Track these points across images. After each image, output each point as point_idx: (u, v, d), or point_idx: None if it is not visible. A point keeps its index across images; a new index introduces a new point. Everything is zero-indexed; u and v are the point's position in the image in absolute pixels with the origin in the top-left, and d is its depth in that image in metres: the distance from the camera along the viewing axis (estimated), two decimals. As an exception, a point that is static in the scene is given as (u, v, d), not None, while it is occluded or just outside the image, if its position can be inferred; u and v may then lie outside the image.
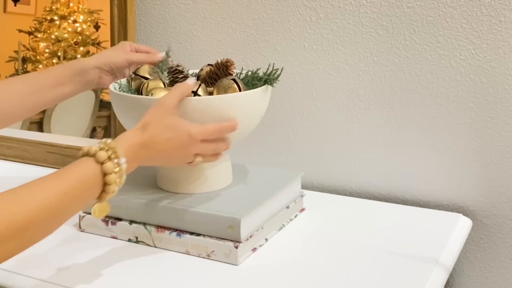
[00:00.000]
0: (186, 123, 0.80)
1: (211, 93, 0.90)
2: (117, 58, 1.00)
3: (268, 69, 0.92)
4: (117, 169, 0.71)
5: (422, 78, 1.05)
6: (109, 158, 0.70)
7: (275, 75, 0.92)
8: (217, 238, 0.86)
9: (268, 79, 0.92)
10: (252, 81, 0.93)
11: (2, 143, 1.37)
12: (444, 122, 1.05)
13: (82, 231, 0.96)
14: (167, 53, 1.04)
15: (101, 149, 0.70)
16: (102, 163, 0.70)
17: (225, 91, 0.87)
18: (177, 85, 0.83)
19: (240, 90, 0.88)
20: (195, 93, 0.88)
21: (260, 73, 0.94)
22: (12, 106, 0.93)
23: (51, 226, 0.67)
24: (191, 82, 0.84)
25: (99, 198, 0.72)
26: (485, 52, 1.00)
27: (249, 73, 0.95)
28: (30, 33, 1.45)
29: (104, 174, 0.70)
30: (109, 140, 0.72)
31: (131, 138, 0.75)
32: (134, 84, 0.96)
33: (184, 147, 0.79)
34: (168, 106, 0.80)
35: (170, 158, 0.80)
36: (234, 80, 0.88)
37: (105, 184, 0.70)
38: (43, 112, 1.44)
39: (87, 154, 0.71)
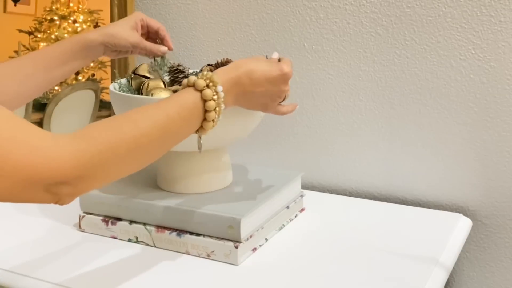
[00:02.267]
0: (277, 61, 0.82)
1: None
2: (121, 40, 0.98)
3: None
4: (215, 97, 0.73)
5: (422, 78, 1.05)
6: (207, 86, 0.73)
7: None
8: (217, 238, 0.86)
9: None
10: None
11: (2, 143, 1.37)
12: (444, 122, 1.05)
13: (82, 231, 0.96)
14: (162, 57, 1.03)
15: (199, 78, 0.74)
16: (201, 91, 0.73)
17: None
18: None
19: None
20: None
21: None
22: (21, 87, 0.93)
23: (159, 147, 0.71)
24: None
25: (201, 128, 0.75)
26: (485, 52, 1.00)
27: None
28: (30, 33, 1.45)
29: (204, 101, 0.73)
30: (206, 72, 0.75)
31: (226, 72, 0.77)
32: (134, 84, 0.96)
33: (278, 82, 0.81)
34: (258, 58, 0.82)
35: (264, 94, 0.81)
36: None
37: (205, 112, 0.74)
38: (43, 112, 1.44)
39: (187, 85, 0.74)
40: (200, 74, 0.75)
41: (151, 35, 1.01)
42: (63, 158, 0.60)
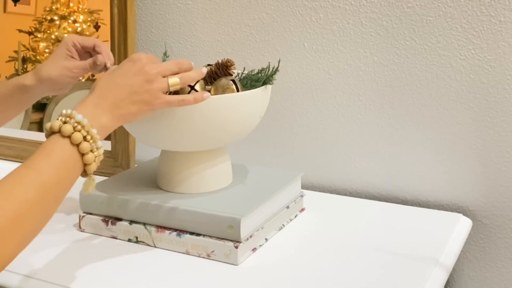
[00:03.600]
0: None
1: (209, 92, 0.90)
2: (52, 70, 0.92)
3: (267, 69, 0.92)
4: (88, 137, 0.69)
5: (422, 78, 1.05)
6: (84, 138, 0.69)
7: (273, 73, 0.92)
8: (217, 238, 0.86)
9: (266, 79, 0.92)
10: (251, 83, 0.93)
11: (2, 143, 1.37)
12: (444, 122, 1.05)
13: (82, 231, 0.96)
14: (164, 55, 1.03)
15: (74, 128, 0.68)
16: (77, 145, 0.68)
17: (223, 91, 0.88)
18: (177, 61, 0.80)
19: (238, 91, 0.88)
20: (192, 87, 0.88)
21: (258, 73, 0.94)
22: None
23: (45, 213, 0.66)
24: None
25: (84, 173, 0.71)
26: (485, 52, 1.00)
27: (248, 74, 0.95)
28: (30, 33, 1.45)
29: (82, 155, 0.69)
30: (69, 111, 0.69)
31: (81, 101, 0.72)
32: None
33: (132, 68, 0.75)
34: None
35: (133, 91, 0.74)
36: (233, 81, 0.88)
37: (85, 164, 0.70)
38: (43, 112, 1.44)
39: (60, 133, 0.68)
40: (64, 116, 0.69)
41: (86, 56, 0.96)
42: None
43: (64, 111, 0.70)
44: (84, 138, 0.69)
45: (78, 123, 0.69)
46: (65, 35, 1.43)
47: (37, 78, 0.92)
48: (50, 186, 0.66)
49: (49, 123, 0.69)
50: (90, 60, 0.92)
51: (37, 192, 0.64)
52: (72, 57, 0.94)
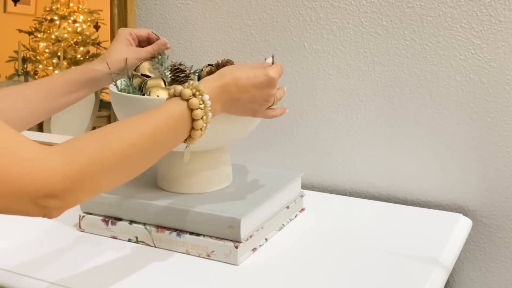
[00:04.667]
0: (262, 66, 0.82)
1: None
2: (121, 62, 0.99)
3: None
4: (202, 105, 0.74)
5: (422, 78, 1.05)
6: (194, 95, 0.74)
7: None
8: (217, 238, 0.86)
9: None
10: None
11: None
12: (444, 122, 1.05)
13: (82, 231, 0.96)
14: (162, 55, 1.03)
15: (186, 87, 0.74)
16: (187, 100, 0.73)
17: None
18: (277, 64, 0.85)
19: None
20: None
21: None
22: (21, 114, 0.93)
23: (147, 158, 0.70)
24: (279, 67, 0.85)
25: (189, 137, 0.75)
26: (485, 52, 1.00)
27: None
28: (30, 33, 1.45)
29: (191, 110, 0.73)
30: (192, 81, 0.75)
31: (212, 81, 0.78)
32: (135, 82, 0.96)
33: (264, 87, 0.81)
34: (243, 64, 0.83)
35: (252, 100, 0.82)
36: None
37: (193, 120, 0.74)
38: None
39: (174, 94, 0.75)
40: (187, 84, 0.75)
41: (143, 44, 1.03)
42: (52, 171, 0.59)
43: (194, 83, 0.75)
44: (194, 95, 0.74)
45: (203, 101, 0.74)
46: (65, 35, 1.43)
47: (106, 61, 0.98)
48: (160, 132, 0.70)
49: (179, 88, 0.74)
50: (153, 45, 1.02)
51: (146, 137, 0.69)
52: (131, 45, 1.02)
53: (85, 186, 0.62)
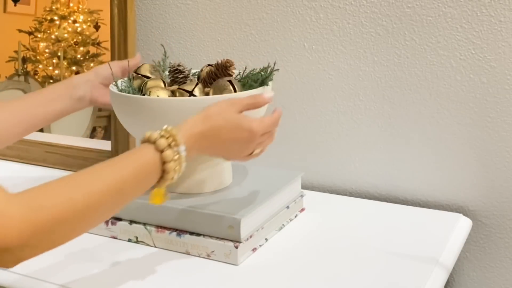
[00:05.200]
0: (248, 118, 0.79)
1: (207, 94, 0.90)
2: (107, 70, 1.00)
3: (268, 68, 0.92)
4: (176, 157, 0.71)
5: (422, 78, 1.05)
6: (169, 145, 0.70)
7: (268, 74, 0.92)
8: (217, 238, 0.86)
9: (263, 80, 0.92)
10: (250, 83, 0.93)
11: (2, 143, 1.37)
12: (444, 122, 1.05)
13: (82, 231, 0.96)
14: (164, 54, 1.04)
15: (161, 136, 0.71)
16: (161, 151, 0.70)
17: (221, 92, 0.88)
18: (255, 94, 0.83)
19: (235, 92, 0.88)
20: (191, 93, 0.88)
21: (259, 72, 0.94)
22: (5, 124, 0.93)
23: (109, 211, 0.68)
24: (268, 95, 0.83)
25: (158, 184, 0.73)
26: (485, 52, 1.00)
27: (249, 73, 0.95)
28: (30, 33, 1.45)
29: (163, 162, 0.70)
30: (170, 127, 0.72)
31: (192, 126, 0.75)
32: (135, 83, 0.96)
33: (245, 142, 0.80)
34: (234, 103, 0.79)
35: (229, 151, 0.80)
36: (230, 81, 0.88)
37: (164, 172, 0.71)
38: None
39: (148, 141, 0.71)
40: (164, 130, 0.71)
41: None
42: (8, 226, 0.58)
43: (172, 130, 0.71)
44: (169, 145, 0.71)
45: (178, 153, 0.71)
46: (65, 35, 1.43)
47: (88, 73, 1.00)
48: (127, 185, 0.68)
49: (154, 136, 0.71)
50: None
51: (112, 190, 0.66)
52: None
53: (41, 242, 0.61)
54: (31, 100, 0.97)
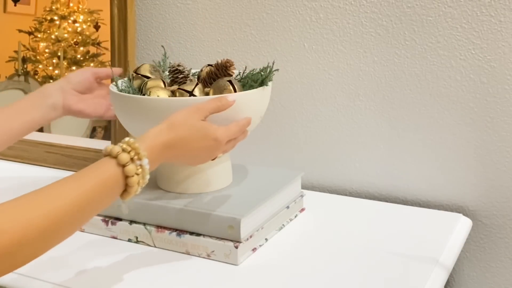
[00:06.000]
0: (213, 127, 0.79)
1: (207, 94, 0.90)
2: (79, 76, 1.00)
3: (267, 68, 0.92)
4: (139, 171, 0.69)
5: (422, 78, 1.05)
6: (132, 160, 0.69)
7: (268, 74, 0.92)
8: (217, 238, 0.86)
9: (263, 80, 0.92)
10: (251, 83, 0.93)
11: (2, 143, 1.37)
12: (444, 122, 1.05)
13: (82, 231, 0.96)
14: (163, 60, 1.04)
15: (123, 150, 0.69)
16: (123, 166, 0.68)
17: (221, 92, 0.88)
18: (219, 97, 0.83)
19: (235, 92, 0.88)
20: (191, 93, 0.88)
21: (259, 72, 0.94)
22: None
23: (72, 228, 0.66)
24: (232, 98, 0.84)
25: (122, 197, 0.71)
26: (485, 52, 1.00)
27: (249, 73, 0.95)
28: (30, 33, 1.45)
29: (126, 177, 0.69)
30: (132, 140, 0.70)
31: (156, 136, 0.73)
32: (135, 83, 0.96)
33: (210, 150, 0.80)
34: (199, 109, 0.79)
35: (194, 158, 0.81)
36: (230, 81, 0.88)
37: (127, 185, 0.69)
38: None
39: (109, 155, 0.69)
40: (125, 142, 0.69)
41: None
42: None
43: (134, 143, 0.70)
44: (131, 160, 0.69)
45: (141, 166, 0.70)
46: (65, 35, 1.43)
47: (59, 81, 1.01)
48: (89, 200, 0.66)
49: (116, 150, 0.69)
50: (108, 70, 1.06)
51: (73, 207, 0.64)
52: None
53: (4, 264, 0.60)
54: (6, 112, 0.97)
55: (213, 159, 0.84)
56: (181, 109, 0.79)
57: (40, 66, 1.47)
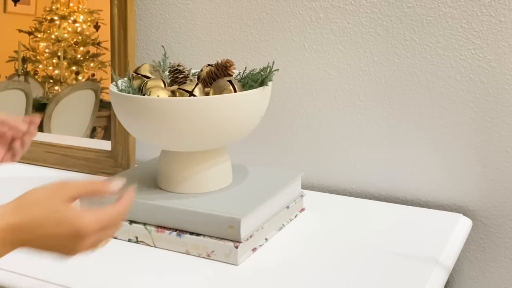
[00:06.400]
0: (75, 212, 0.63)
1: (207, 94, 0.90)
2: None
3: (267, 68, 0.92)
4: None
5: (422, 78, 1.05)
6: None
7: (268, 74, 0.92)
8: (217, 238, 0.86)
9: (263, 80, 0.92)
10: (251, 83, 0.93)
11: (2, 143, 1.37)
12: (444, 122, 1.05)
13: (82, 231, 0.96)
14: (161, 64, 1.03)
15: None
16: None
17: (221, 92, 0.88)
18: (96, 182, 0.69)
19: (235, 92, 0.88)
20: (191, 93, 0.88)
21: (259, 72, 0.94)
22: None
23: None
24: (114, 187, 0.70)
25: None
26: (485, 52, 1.00)
27: (249, 73, 0.95)
28: (30, 33, 1.45)
29: None
30: None
31: (1, 217, 0.61)
32: (135, 83, 0.96)
33: (71, 241, 0.63)
34: (63, 188, 0.65)
35: (54, 248, 0.64)
36: (230, 81, 0.88)
37: None
38: (43, 112, 1.44)
39: None
40: None
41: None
42: None
43: None
44: None
45: None
46: (65, 35, 1.43)
47: None
48: None
49: None
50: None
51: None
52: None
53: None
54: None
55: (82, 252, 0.65)
56: (43, 186, 0.65)
57: (40, 66, 1.47)
